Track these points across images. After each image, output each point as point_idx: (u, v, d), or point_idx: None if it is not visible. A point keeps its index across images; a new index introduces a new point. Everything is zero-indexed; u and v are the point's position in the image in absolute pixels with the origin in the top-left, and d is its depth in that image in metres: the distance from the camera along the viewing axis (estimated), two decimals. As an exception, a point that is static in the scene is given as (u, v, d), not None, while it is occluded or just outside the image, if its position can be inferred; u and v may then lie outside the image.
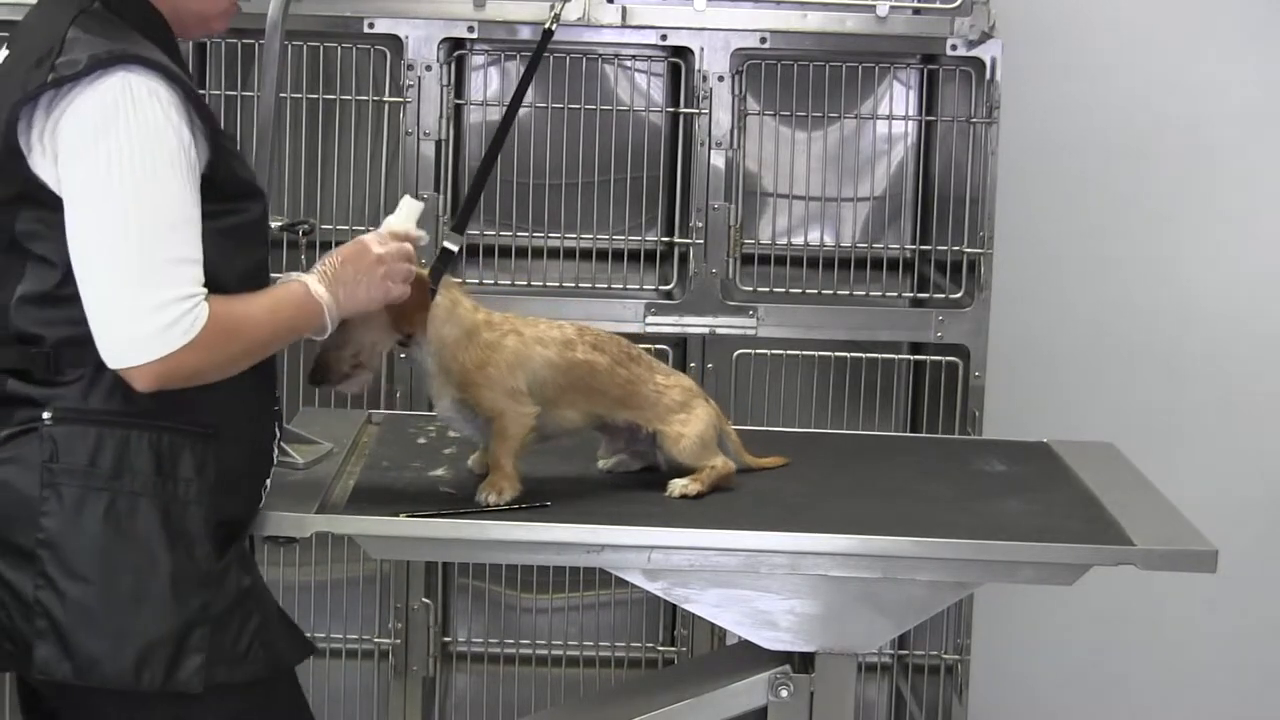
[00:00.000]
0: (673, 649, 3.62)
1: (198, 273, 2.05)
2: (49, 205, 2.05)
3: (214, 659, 2.12)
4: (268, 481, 2.31)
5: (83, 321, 2.06)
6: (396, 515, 2.38)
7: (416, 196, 2.45)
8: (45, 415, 2.09)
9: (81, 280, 2.03)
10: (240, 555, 2.22)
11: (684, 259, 3.50)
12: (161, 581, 2.09)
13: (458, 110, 3.58)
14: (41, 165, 2.04)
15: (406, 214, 2.36)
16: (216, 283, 2.09)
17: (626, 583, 2.43)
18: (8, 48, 2.17)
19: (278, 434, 2.35)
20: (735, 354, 3.48)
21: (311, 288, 2.19)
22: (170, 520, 2.11)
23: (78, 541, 2.08)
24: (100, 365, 2.07)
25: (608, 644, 3.69)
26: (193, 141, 2.06)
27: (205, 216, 2.08)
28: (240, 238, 2.15)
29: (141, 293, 2.00)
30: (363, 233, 3.40)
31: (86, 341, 2.06)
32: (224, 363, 2.10)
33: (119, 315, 2.01)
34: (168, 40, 2.17)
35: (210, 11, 2.22)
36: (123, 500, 2.09)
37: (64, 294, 2.07)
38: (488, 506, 2.41)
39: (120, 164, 2.00)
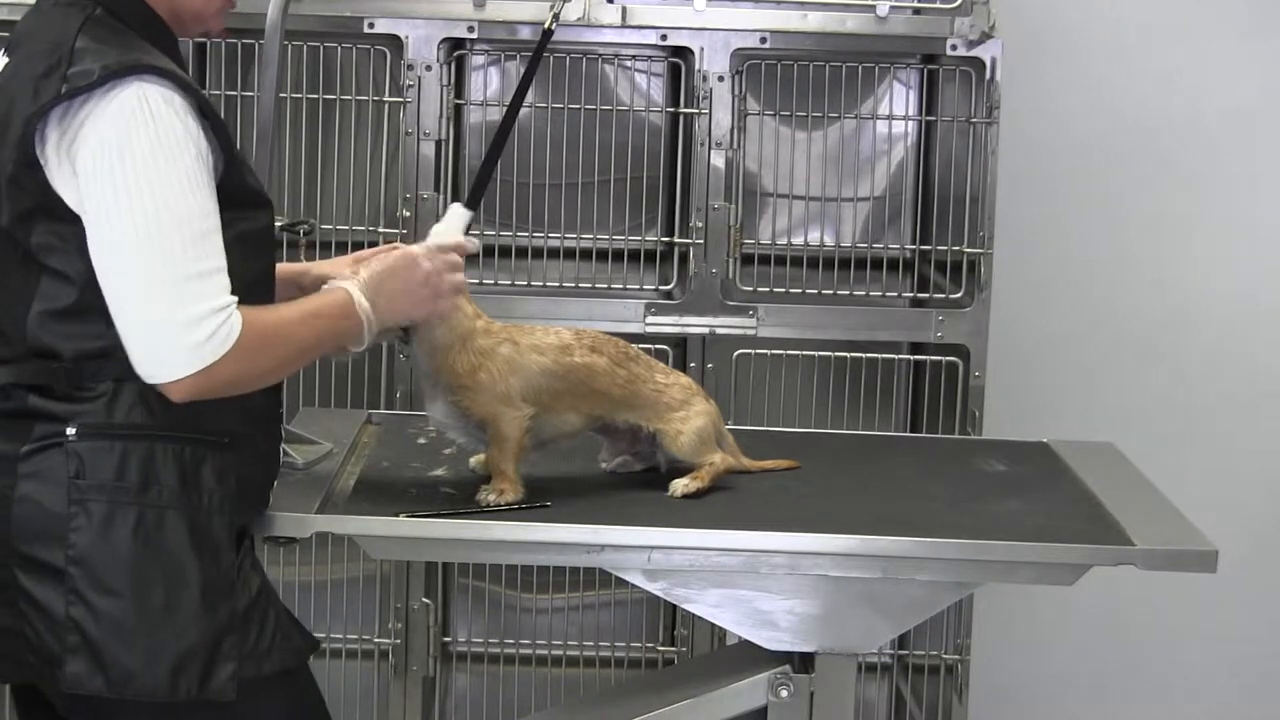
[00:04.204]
0: (673, 649, 3.63)
1: (226, 281, 2.04)
2: (65, 219, 2.04)
3: (243, 660, 2.14)
4: (275, 484, 2.33)
5: (102, 336, 2.06)
6: (396, 515, 2.38)
7: (466, 205, 2.44)
8: (69, 431, 2.08)
9: (111, 298, 2.03)
10: (250, 555, 2.24)
11: (684, 259, 3.50)
12: (192, 592, 2.10)
13: (458, 110, 3.58)
14: (58, 179, 2.04)
15: (454, 223, 2.38)
16: None
17: (626, 583, 2.43)
18: (7, 54, 2.16)
19: (282, 438, 2.36)
20: (735, 354, 3.48)
21: (355, 298, 2.20)
22: (197, 531, 2.12)
23: (108, 556, 2.07)
24: (122, 379, 2.07)
25: (608, 644, 3.69)
26: (208, 149, 2.07)
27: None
28: (247, 245, 2.14)
29: (175, 309, 2.00)
30: (362, 232, 3.46)
31: (106, 356, 2.07)
32: (263, 372, 2.10)
33: (153, 333, 2.01)
34: (170, 44, 2.16)
35: (207, 10, 2.21)
36: (151, 514, 2.09)
37: (82, 309, 2.06)
38: (488, 507, 2.42)
39: (142, 179, 2.00)
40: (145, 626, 2.08)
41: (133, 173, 2.00)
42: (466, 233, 2.41)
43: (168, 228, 2.00)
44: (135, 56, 2.04)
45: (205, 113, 2.07)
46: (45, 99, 2.02)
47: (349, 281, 2.22)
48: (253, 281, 2.16)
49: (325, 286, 2.23)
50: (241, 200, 2.14)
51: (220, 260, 2.05)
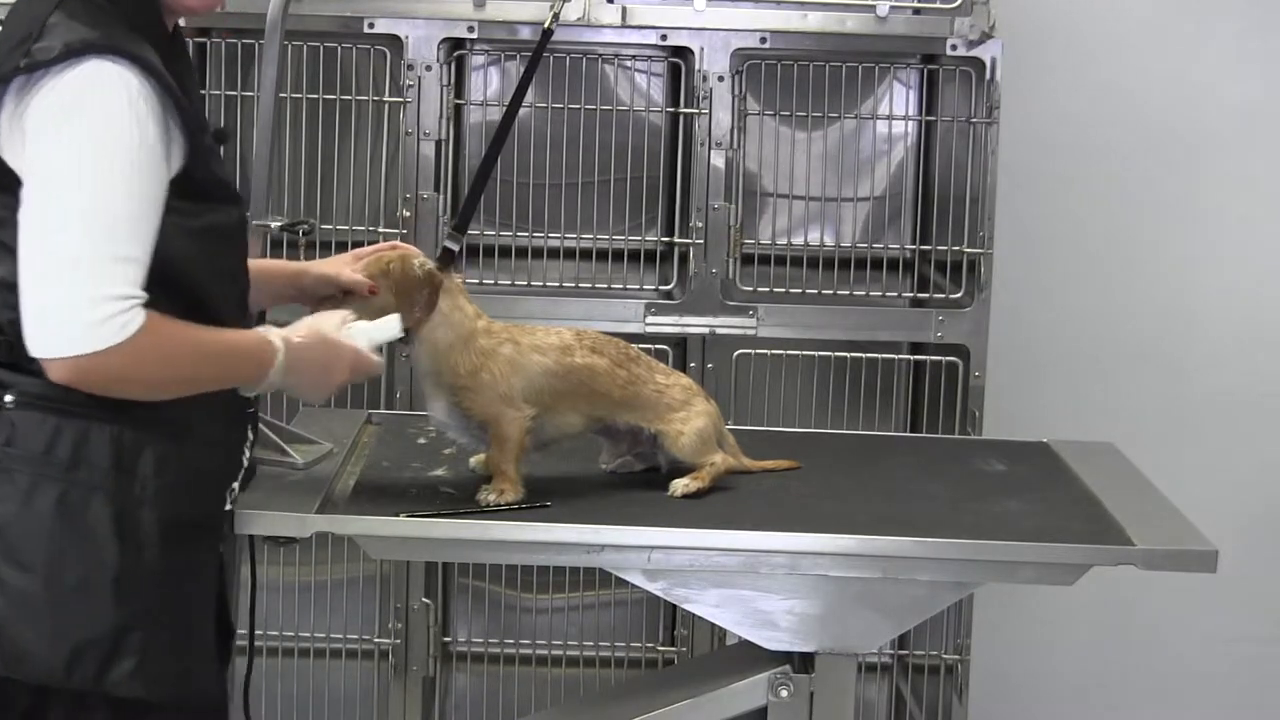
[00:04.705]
0: (673, 649, 3.62)
1: (139, 274, 1.99)
2: (16, 192, 2.01)
3: (146, 661, 2.07)
4: (235, 485, 2.26)
5: None
6: (396, 515, 2.38)
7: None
8: (7, 398, 2.05)
9: (21, 264, 1.99)
10: (199, 565, 2.17)
11: (684, 259, 3.50)
12: (105, 578, 2.05)
13: (458, 110, 3.58)
14: (9, 152, 2.01)
15: (387, 332, 2.33)
16: (186, 280, 2.07)
17: (626, 583, 2.43)
18: None
19: (250, 436, 2.30)
20: (735, 354, 3.48)
21: (276, 355, 2.15)
22: (123, 517, 2.07)
23: (25, 529, 2.03)
24: None
25: (608, 644, 3.69)
26: (161, 138, 2.02)
27: (179, 214, 2.05)
28: (213, 239, 2.12)
29: (76, 285, 1.96)
30: (362, 232, 3.46)
31: None
32: (152, 381, 2.05)
33: (48, 305, 1.97)
34: (155, 29, 2.12)
35: None
36: (76, 492, 2.05)
37: None
38: (488, 507, 2.42)
39: (75, 153, 1.97)
40: (50, 606, 2.03)
41: (65, 144, 1.97)
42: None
43: (88, 206, 1.96)
44: (101, 35, 2.01)
45: (170, 100, 2.03)
46: (4, 71, 2.00)
47: (278, 336, 2.17)
48: (217, 275, 2.14)
49: (259, 327, 2.20)
50: (209, 193, 2.11)
51: (140, 251, 2.00)
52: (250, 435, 2.30)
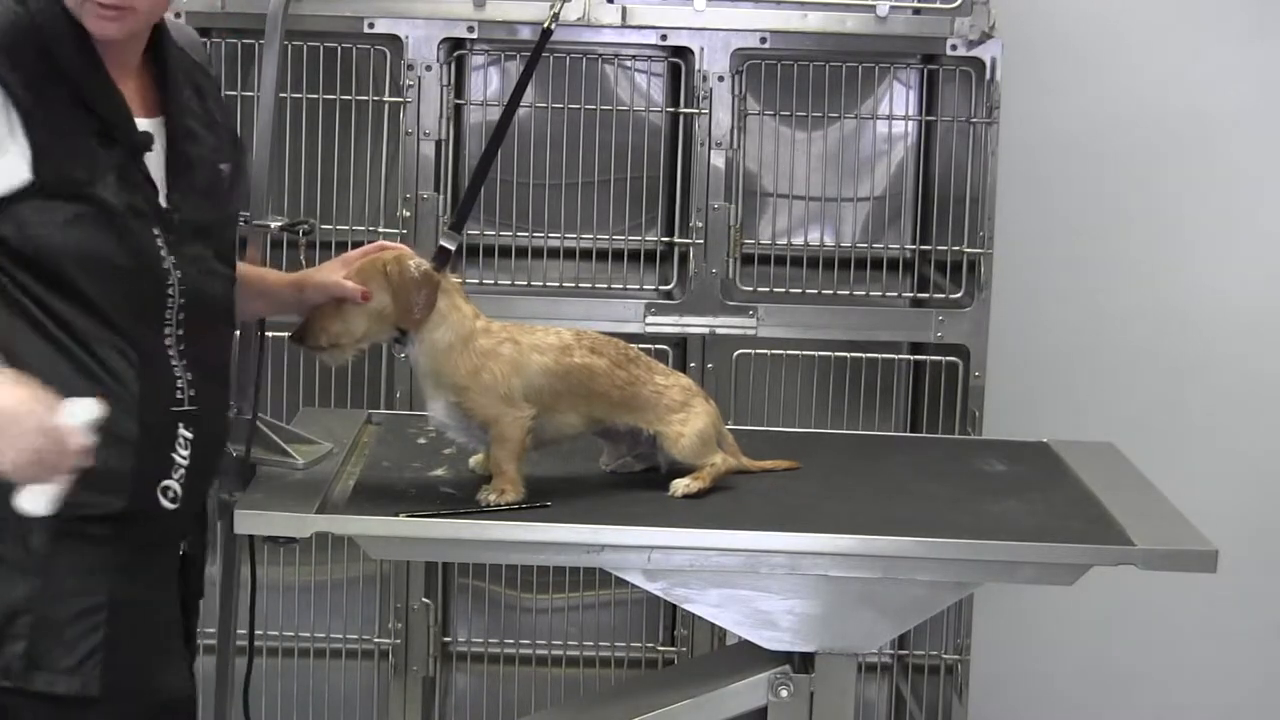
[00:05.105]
0: (673, 649, 3.63)
1: None
2: None
3: (38, 660, 2.07)
4: (170, 483, 2.16)
5: None
6: (396, 515, 2.38)
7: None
8: None
9: None
10: (113, 565, 2.13)
11: (684, 259, 3.50)
12: None
13: (458, 110, 3.58)
14: None
15: (85, 413, 2.04)
16: (60, 268, 2.06)
17: (626, 583, 2.43)
18: None
19: (187, 435, 2.17)
20: (735, 354, 3.48)
21: None
22: (4, 506, 2.02)
23: None
24: None
25: (608, 644, 3.69)
26: (10, 139, 2.04)
27: (39, 210, 2.05)
28: (86, 232, 2.09)
29: None
30: (363, 233, 3.46)
31: None
32: None
33: None
34: (71, 36, 2.10)
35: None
36: None
37: None
38: (488, 507, 2.41)
39: None
40: None
41: None
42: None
43: None
44: None
45: (15, 104, 2.04)
46: None
47: None
48: (106, 269, 2.10)
49: None
50: (65, 194, 2.08)
51: None
52: (187, 434, 2.18)
